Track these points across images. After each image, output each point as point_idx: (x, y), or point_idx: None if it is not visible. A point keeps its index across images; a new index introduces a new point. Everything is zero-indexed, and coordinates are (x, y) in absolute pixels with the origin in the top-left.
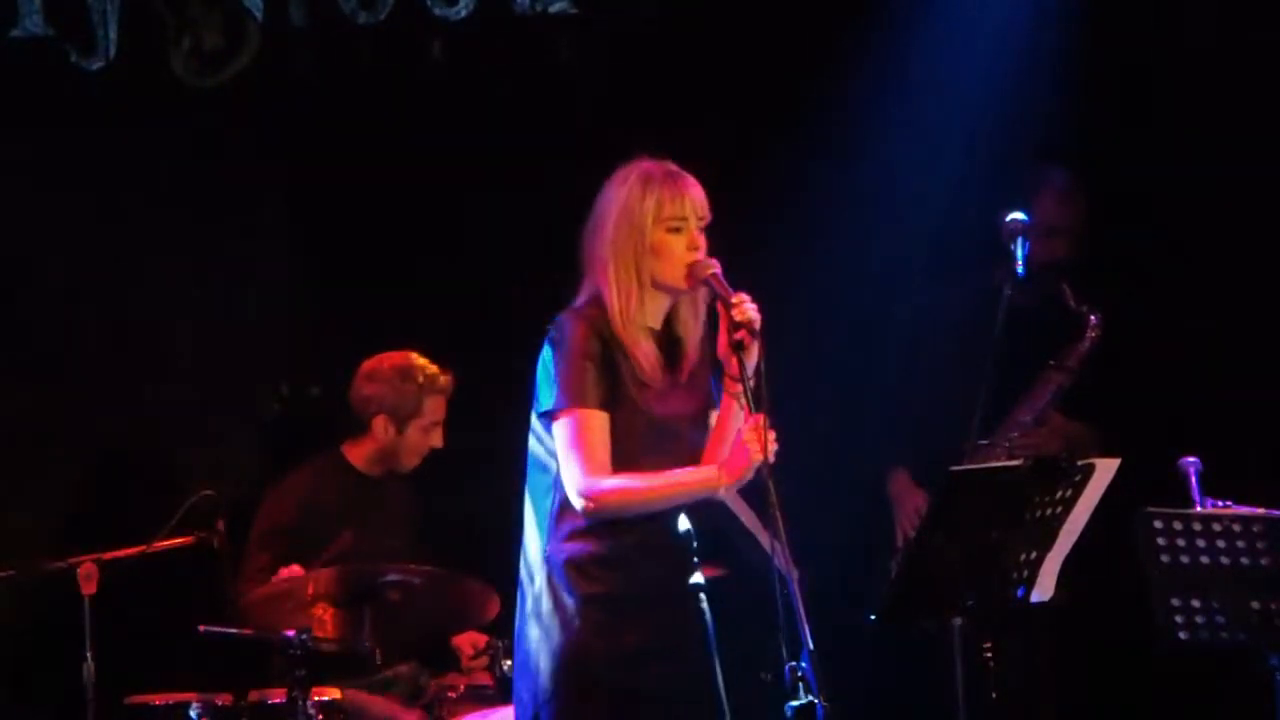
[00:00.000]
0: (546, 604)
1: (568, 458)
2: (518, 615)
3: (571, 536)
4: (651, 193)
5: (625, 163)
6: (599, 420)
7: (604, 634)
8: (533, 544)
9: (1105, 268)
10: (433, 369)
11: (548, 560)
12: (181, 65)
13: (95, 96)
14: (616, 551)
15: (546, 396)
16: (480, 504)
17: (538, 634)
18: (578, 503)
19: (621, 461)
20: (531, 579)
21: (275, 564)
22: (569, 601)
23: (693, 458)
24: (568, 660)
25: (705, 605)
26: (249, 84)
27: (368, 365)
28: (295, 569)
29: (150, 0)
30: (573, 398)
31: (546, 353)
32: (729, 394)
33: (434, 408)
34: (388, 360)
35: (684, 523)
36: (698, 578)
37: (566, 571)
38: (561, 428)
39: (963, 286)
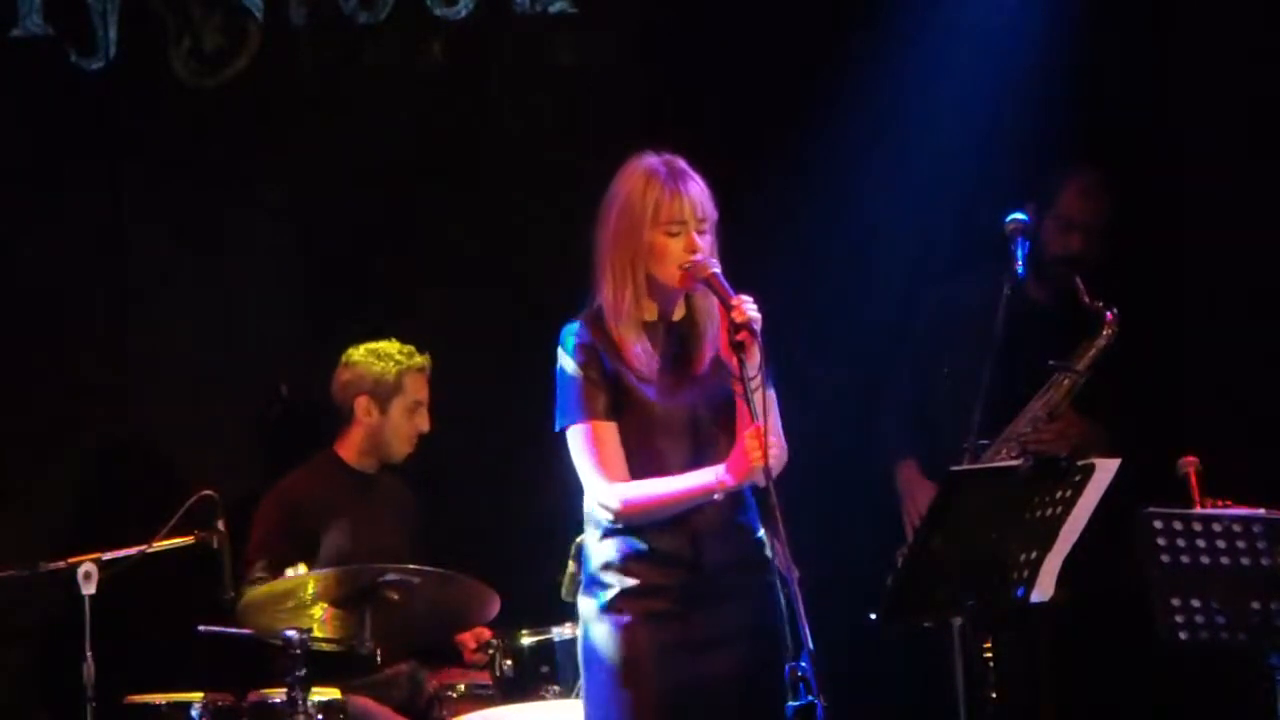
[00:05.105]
0: (591, 599)
1: (582, 471)
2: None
3: (606, 535)
4: (650, 194)
5: (633, 155)
6: (605, 430)
7: (639, 627)
8: (587, 543)
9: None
10: (407, 348)
11: (590, 557)
12: (181, 65)
13: (95, 96)
14: (646, 548)
15: (556, 416)
16: (479, 505)
17: (584, 627)
18: (604, 513)
19: (641, 460)
20: (584, 573)
21: (274, 565)
22: (606, 595)
23: (718, 448)
24: (605, 656)
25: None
26: (249, 84)
27: (344, 356)
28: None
29: (150, 0)
30: (573, 414)
31: (557, 370)
32: (737, 395)
33: (414, 385)
34: (361, 346)
35: (739, 516)
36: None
37: (604, 569)
38: (571, 444)
39: (980, 277)
